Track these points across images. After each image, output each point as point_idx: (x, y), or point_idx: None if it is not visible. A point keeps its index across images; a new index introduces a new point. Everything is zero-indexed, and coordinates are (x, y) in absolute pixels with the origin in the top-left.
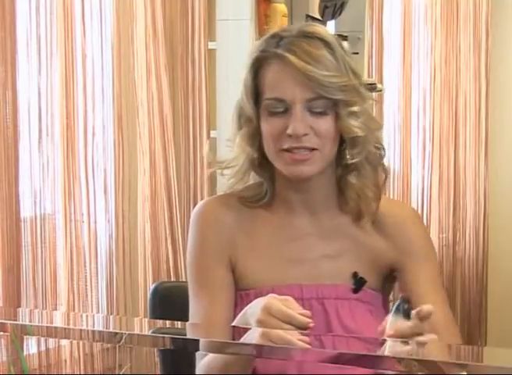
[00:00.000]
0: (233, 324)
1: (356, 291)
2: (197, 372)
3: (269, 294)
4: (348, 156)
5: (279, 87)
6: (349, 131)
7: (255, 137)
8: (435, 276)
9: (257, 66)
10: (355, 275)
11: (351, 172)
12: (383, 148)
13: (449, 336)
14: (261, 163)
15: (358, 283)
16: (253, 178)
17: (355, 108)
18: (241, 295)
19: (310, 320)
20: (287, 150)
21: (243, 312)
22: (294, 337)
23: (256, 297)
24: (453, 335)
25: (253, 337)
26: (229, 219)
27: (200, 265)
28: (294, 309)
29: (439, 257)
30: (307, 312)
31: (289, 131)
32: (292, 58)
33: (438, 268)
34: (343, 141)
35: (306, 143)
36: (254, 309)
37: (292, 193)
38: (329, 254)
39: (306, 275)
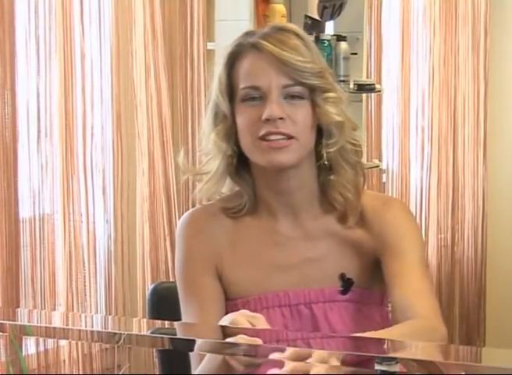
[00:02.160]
0: None
1: (344, 292)
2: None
3: (240, 310)
4: (323, 146)
5: (254, 75)
6: (326, 117)
7: (230, 135)
8: (416, 261)
9: (232, 61)
10: (342, 276)
11: (330, 172)
12: (360, 146)
13: (430, 326)
14: (238, 170)
15: (346, 284)
16: (228, 187)
17: (331, 95)
18: (230, 305)
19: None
20: (264, 138)
21: None
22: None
23: (243, 306)
24: (435, 324)
25: None
26: (213, 229)
27: (188, 275)
28: (260, 326)
29: (437, 258)
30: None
31: (264, 116)
32: (267, 44)
33: (421, 251)
34: (321, 137)
35: (282, 128)
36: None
37: (273, 196)
38: (315, 257)
39: (292, 280)
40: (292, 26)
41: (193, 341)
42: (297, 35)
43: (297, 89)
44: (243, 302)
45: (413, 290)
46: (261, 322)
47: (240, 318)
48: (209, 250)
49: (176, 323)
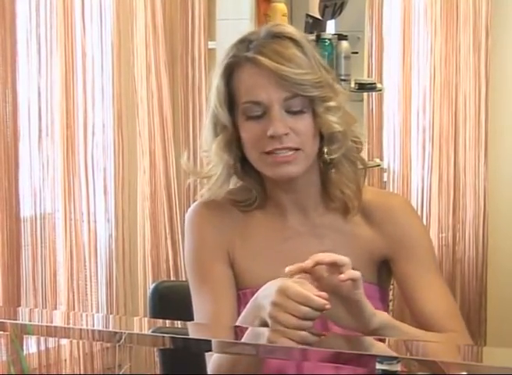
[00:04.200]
0: (243, 312)
1: None
2: (209, 369)
3: (281, 277)
4: (326, 152)
5: (254, 90)
6: (328, 127)
7: (232, 144)
8: (428, 263)
9: (229, 72)
10: None
11: (331, 169)
12: (361, 142)
13: (450, 325)
14: (245, 170)
15: None
16: (232, 182)
17: (331, 104)
18: (238, 295)
19: (326, 302)
20: (270, 152)
21: (254, 297)
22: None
23: (253, 296)
24: (455, 323)
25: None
26: (222, 219)
27: (201, 262)
28: (310, 291)
29: (438, 257)
30: (324, 294)
31: (269, 133)
32: (263, 60)
33: (432, 252)
34: (322, 138)
35: (288, 143)
36: (268, 291)
37: (281, 194)
38: (323, 251)
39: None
40: (289, 30)
41: (194, 341)
42: (294, 41)
43: (298, 101)
44: (252, 292)
45: (437, 298)
46: (308, 286)
47: (290, 282)
48: (221, 237)
49: (185, 323)
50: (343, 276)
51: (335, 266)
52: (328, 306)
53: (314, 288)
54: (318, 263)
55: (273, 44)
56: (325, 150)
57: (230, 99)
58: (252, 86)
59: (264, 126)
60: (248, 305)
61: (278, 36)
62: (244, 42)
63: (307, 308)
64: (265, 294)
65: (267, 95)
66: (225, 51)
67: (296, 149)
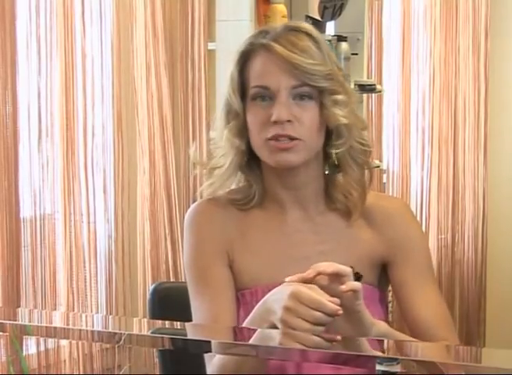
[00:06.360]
0: (250, 315)
1: None
2: (209, 370)
3: (292, 283)
4: (332, 148)
5: (264, 76)
6: (333, 119)
7: (243, 131)
8: (426, 269)
9: (244, 60)
10: (351, 270)
11: (338, 170)
12: (368, 146)
13: (442, 333)
14: (249, 163)
15: (354, 277)
16: (235, 184)
17: (339, 97)
18: (237, 296)
19: (339, 308)
20: (272, 139)
21: (262, 301)
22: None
23: (252, 297)
24: (447, 332)
25: (272, 336)
26: (223, 218)
27: (200, 264)
28: (322, 296)
29: (437, 258)
30: (336, 300)
31: (273, 118)
32: (277, 47)
33: (429, 259)
34: (329, 136)
35: (290, 131)
36: (278, 296)
37: (282, 190)
38: (323, 250)
39: (300, 272)
40: (305, 25)
41: (194, 342)
42: (309, 36)
43: (306, 91)
44: (251, 292)
45: (431, 305)
46: (319, 292)
47: (302, 287)
48: (220, 237)
49: (184, 324)
50: (344, 287)
51: (336, 276)
52: (340, 312)
53: (326, 294)
54: (319, 274)
55: (289, 35)
56: (332, 144)
57: (243, 87)
58: (263, 71)
59: (270, 112)
60: (256, 309)
61: (295, 29)
62: (262, 33)
63: (319, 314)
64: (276, 299)
65: (276, 81)
66: (243, 40)
67: (298, 139)
